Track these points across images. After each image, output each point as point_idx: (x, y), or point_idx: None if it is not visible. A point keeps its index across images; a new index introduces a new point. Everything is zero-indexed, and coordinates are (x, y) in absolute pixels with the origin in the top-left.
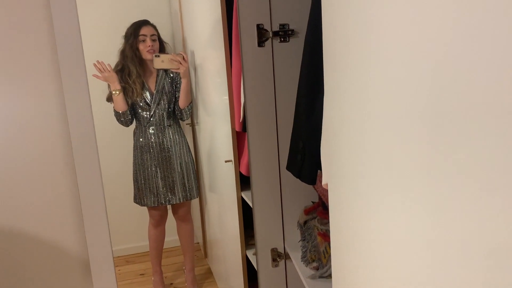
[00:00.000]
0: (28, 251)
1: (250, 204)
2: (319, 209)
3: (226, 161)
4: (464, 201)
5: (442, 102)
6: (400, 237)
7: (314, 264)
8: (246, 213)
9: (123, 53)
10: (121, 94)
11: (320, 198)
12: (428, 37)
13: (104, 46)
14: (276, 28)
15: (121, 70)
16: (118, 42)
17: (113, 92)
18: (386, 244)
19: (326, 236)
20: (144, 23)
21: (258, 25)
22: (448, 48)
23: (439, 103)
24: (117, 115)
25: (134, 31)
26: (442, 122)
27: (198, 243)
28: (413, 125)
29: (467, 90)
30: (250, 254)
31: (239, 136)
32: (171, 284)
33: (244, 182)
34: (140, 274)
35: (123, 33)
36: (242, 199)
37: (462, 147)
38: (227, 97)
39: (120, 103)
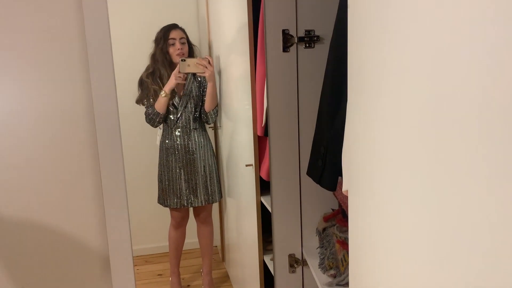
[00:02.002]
0: (50, 245)
1: (269, 209)
2: (339, 217)
3: (246, 165)
4: (490, 209)
5: (473, 109)
6: (421, 247)
7: (332, 272)
8: (264, 218)
9: (153, 56)
10: (167, 97)
11: (340, 205)
12: (460, 43)
13: (133, 50)
14: (301, 33)
15: (152, 73)
16: (146, 46)
17: (162, 93)
18: (406, 254)
19: (344, 244)
20: (173, 27)
21: (283, 30)
22: (485, 48)
23: (468, 110)
24: (153, 114)
25: (164, 35)
26: (470, 129)
27: (216, 246)
28: (437, 133)
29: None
30: (267, 259)
31: (260, 141)
32: (188, 286)
33: (263, 186)
34: (158, 275)
35: (152, 37)
36: (261, 203)
37: (490, 153)
38: (249, 101)
39: (163, 105)
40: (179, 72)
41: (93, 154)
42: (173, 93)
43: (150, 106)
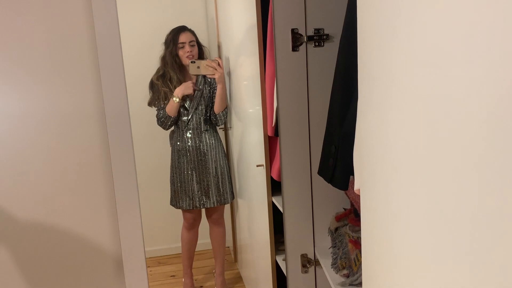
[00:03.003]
0: (64, 248)
1: (281, 209)
2: (351, 216)
3: (257, 166)
4: (505, 206)
5: (479, 113)
6: (434, 245)
7: (345, 272)
8: (276, 218)
9: (163, 59)
10: (179, 103)
11: (352, 204)
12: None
13: (144, 52)
14: (310, 32)
15: (163, 76)
16: (157, 47)
17: (175, 98)
18: (420, 253)
19: (357, 243)
20: (182, 29)
21: (292, 30)
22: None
23: (483, 107)
24: (165, 118)
25: (173, 38)
26: (481, 128)
27: (228, 247)
28: (452, 130)
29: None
30: (279, 259)
31: (271, 141)
32: (201, 287)
33: (275, 187)
34: (171, 276)
35: (162, 39)
36: (273, 204)
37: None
38: (259, 101)
39: (175, 110)
40: (193, 76)
41: (105, 157)
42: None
43: (161, 109)
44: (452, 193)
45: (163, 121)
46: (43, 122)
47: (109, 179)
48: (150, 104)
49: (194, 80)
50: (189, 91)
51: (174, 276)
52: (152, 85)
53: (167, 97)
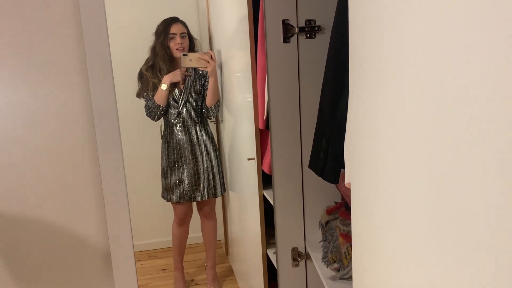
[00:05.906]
0: (51, 242)
1: (272, 203)
2: (342, 210)
3: (248, 159)
4: (487, 201)
5: (468, 106)
6: (424, 240)
7: (335, 265)
8: (267, 212)
9: (154, 50)
10: (167, 90)
11: (343, 198)
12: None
13: (134, 42)
14: (302, 24)
15: (152, 67)
16: (147, 38)
17: (163, 85)
18: (409, 247)
19: (348, 237)
20: (174, 20)
21: (283, 21)
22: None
23: (465, 106)
24: (154, 107)
25: (164, 29)
26: (467, 124)
27: (220, 240)
28: (440, 123)
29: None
30: (270, 253)
31: (262, 134)
32: (192, 280)
33: (266, 180)
34: (162, 269)
35: (152, 29)
36: (264, 197)
37: (488, 150)
38: (251, 94)
39: (164, 98)
40: (183, 68)
41: (92, 150)
42: (173, 86)
43: (149, 99)
44: (443, 188)
45: (152, 111)
46: (29, 116)
47: (96, 173)
48: (138, 95)
49: (184, 71)
50: (178, 78)
51: (165, 269)
52: (141, 76)
53: (156, 88)
